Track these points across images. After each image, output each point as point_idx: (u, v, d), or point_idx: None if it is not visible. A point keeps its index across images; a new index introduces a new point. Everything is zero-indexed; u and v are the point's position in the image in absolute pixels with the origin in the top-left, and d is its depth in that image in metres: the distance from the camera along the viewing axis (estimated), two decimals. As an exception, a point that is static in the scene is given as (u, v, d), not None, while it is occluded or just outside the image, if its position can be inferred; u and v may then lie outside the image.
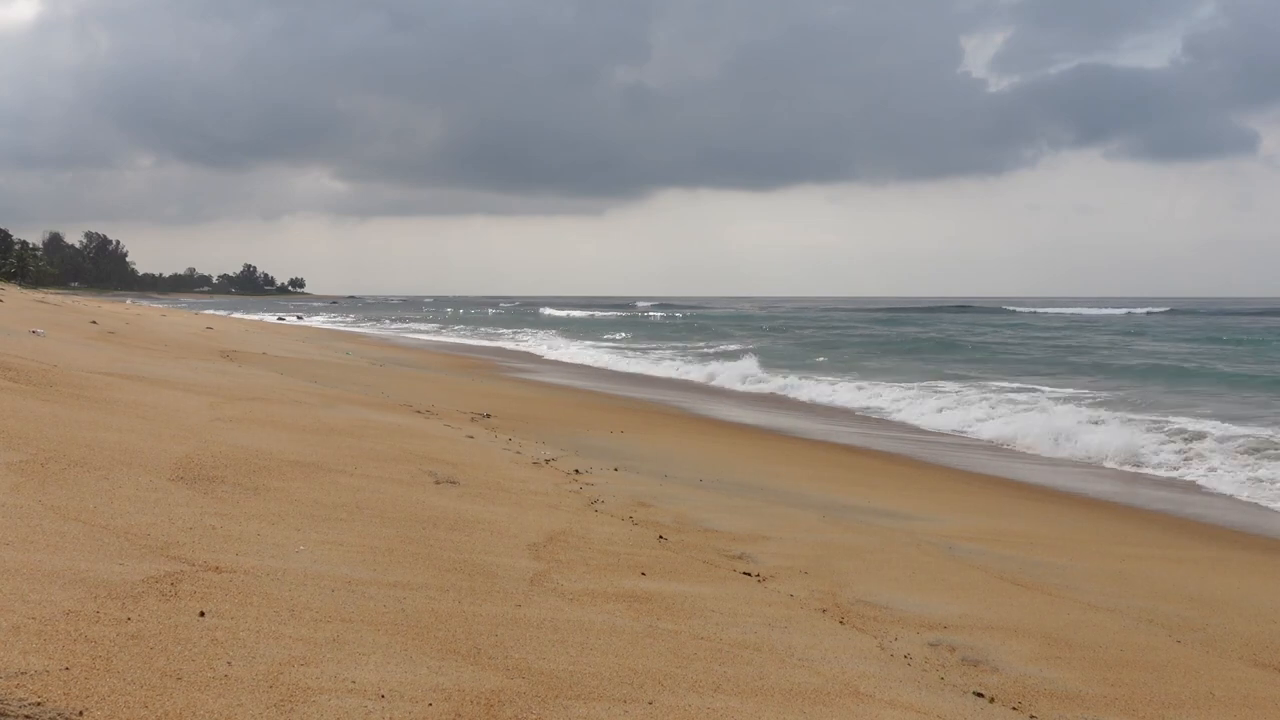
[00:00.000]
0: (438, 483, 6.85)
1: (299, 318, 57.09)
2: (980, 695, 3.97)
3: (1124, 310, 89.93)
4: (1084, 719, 3.91)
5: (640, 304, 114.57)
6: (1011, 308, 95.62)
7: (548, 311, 77.06)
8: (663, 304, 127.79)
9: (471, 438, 9.90)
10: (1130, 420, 15.75)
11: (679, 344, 41.47)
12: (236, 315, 55.74)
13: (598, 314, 68.76)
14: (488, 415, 12.41)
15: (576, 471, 8.44)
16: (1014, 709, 3.90)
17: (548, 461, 8.90)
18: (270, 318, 57.76)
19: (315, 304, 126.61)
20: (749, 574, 5.54)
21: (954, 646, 4.58)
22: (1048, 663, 4.51)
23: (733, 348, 37.44)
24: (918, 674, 4.13)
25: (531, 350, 35.92)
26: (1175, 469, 12.59)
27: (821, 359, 30.99)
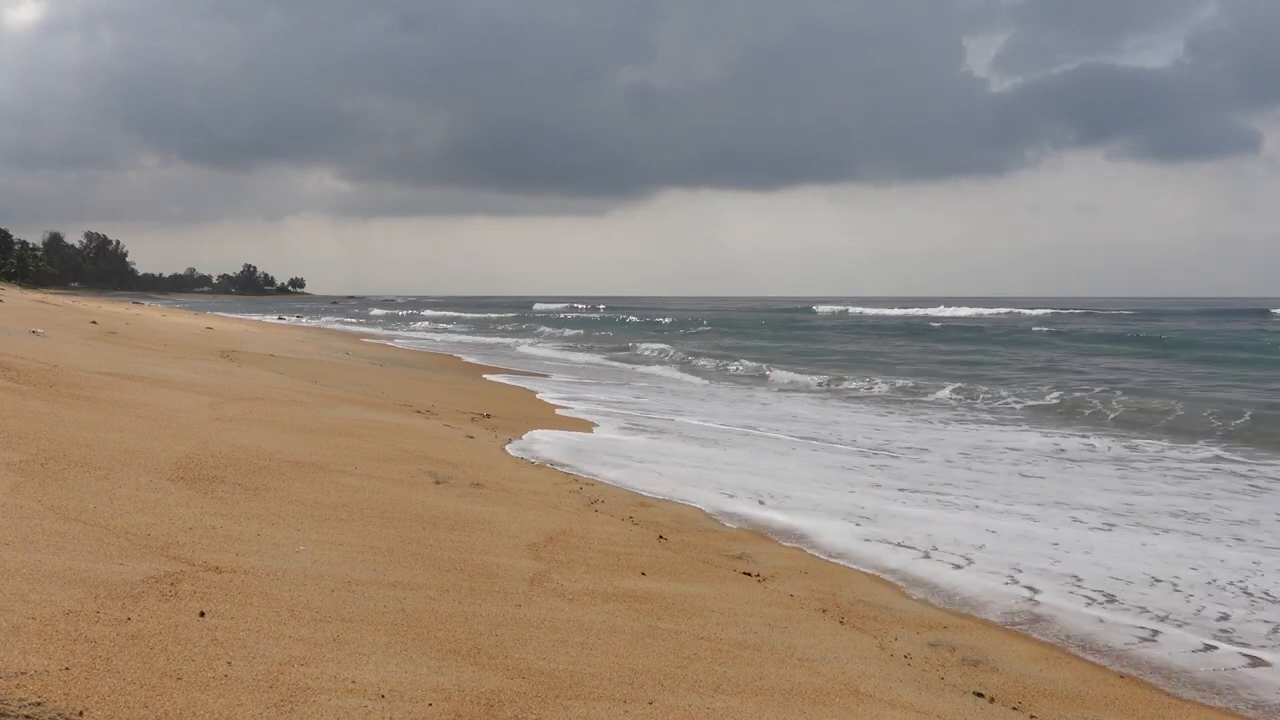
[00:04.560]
0: (438, 483, 6.85)
1: (279, 318, 58.57)
2: (980, 695, 3.98)
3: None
4: (1084, 719, 3.91)
5: (539, 306, 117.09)
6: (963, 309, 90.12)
7: (428, 311, 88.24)
8: (612, 304, 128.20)
9: (471, 438, 9.90)
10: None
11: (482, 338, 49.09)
12: (237, 316, 56.10)
13: (490, 315, 78.38)
14: (488, 415, 12.41)
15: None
16: (1014, 709, 3.90)
17: (549, 463, 8.90)
18: (270, 318, 58.36)
19: (314, 304, 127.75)
20: (749, 574, 5.54)
21: (954, 646, 4.58)
22: (1048, 663, 4.51)
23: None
24: (918, 674, 4.13)
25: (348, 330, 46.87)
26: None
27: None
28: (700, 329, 53.39)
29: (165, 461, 5.86)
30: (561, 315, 79.13)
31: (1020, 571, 5.99)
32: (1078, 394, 18.21)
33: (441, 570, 4.57)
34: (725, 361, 27.09)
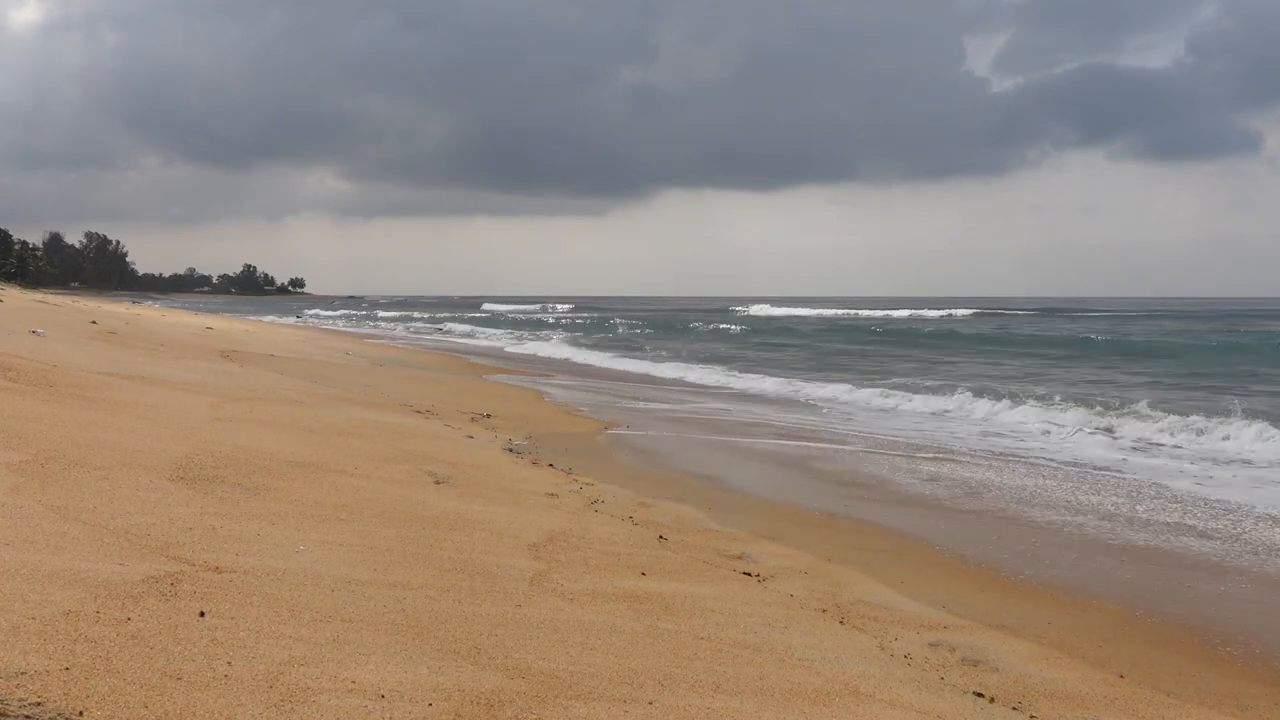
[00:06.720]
0: (438, 483, 6.85)
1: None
2: (980, 695, 3.97)
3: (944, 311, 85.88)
4: (1084, 719, 3.91)
5: (486, 304, 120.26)
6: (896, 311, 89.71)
7: (381, 312, 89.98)
8: (582, 304, 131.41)
9: (472, 438, 9.90)
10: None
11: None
12: (237, 315, 56.11)
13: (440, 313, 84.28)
14: (488, 415, 12.41)
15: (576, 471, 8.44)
16: (1014, 709, 3.89)
17: (550, 464, 8.90)
18: (273, 319, 58.57)
19: (303, 304, 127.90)
20: (749, 574, 5.54)
21: (954, 646, 4.58)
22: (1048, 663, 4.51)
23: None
24: (918, 674, 4.13)
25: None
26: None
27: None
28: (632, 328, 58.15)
29: (165, 461, 5.86)
30: (504, 315, 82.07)
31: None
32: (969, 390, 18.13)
33: (441, 570, 4.57)
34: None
